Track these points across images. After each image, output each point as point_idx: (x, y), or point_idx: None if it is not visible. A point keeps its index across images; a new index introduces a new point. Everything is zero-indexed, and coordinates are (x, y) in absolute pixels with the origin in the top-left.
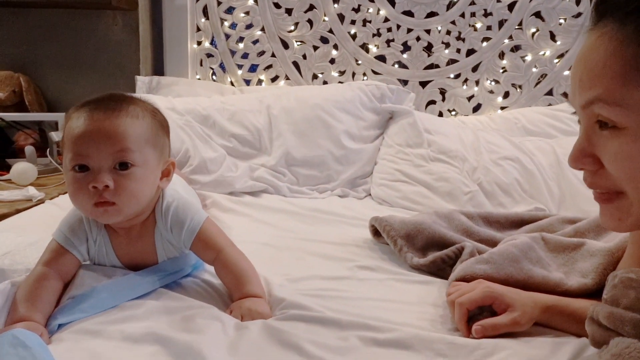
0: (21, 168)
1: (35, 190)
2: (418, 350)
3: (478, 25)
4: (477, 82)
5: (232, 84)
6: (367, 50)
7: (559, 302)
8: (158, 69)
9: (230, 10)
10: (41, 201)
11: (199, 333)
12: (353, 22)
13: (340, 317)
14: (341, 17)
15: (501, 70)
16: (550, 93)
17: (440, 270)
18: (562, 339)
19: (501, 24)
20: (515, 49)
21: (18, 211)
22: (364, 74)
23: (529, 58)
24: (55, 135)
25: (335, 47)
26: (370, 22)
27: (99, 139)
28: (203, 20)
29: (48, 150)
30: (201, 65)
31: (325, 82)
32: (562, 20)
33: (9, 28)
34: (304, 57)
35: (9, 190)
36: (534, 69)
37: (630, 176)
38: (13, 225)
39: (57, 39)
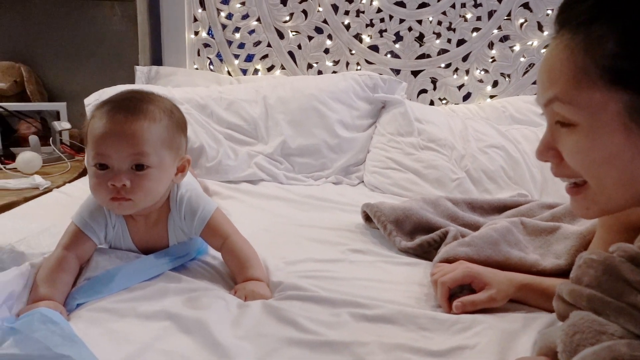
0: (27, 157)
1: (42, 179)
2: (403, 325)
3: (468, 15)
4: (467, 72)
5: (229, 73)
6: (361, 41)
7: (533, 280)
8: (156, 59)
9: (226, 1)
10: (48, 189)
11: (205, 310)
12: (347, 13)
13: (333, 296)
14: (335, 8)
15: (490, 60)
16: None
17: (426, 252)
18: (534, 314)
19: (490, 14)
20: (504, 39)
21: (27, 199)
22: (358, 64)
23: (517, 48)
24: (57, 125)
25: (330, 37)
26: (363, 12)
27: (118, 141)
28: (200, 10)
29: (51, 139)
30: (199, 55)
31: (319, 72)
32: (549, 11)
33: (9, 19)
34: (299, 47)
35: (16, 179)
36: (522, 59)
37: (585, 168)
38: (24, 213)
39: (57, 30)
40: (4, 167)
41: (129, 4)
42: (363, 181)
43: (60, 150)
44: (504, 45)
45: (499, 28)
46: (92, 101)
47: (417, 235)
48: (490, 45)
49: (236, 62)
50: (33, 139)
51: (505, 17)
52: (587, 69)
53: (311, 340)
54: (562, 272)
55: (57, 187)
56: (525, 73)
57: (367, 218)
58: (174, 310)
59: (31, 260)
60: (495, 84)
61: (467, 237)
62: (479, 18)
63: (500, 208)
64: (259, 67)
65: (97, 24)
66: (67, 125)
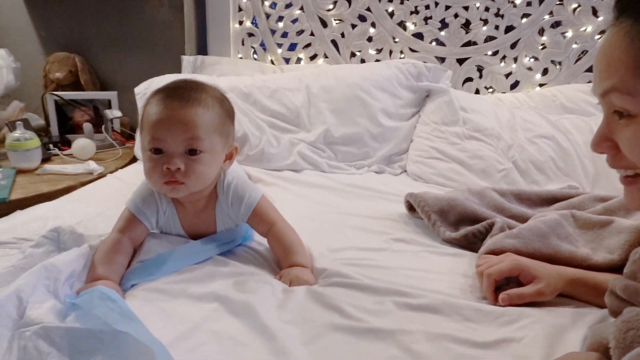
0: (81, 144)
1: (95, 165)
2: (448, 315)
3: (518, 1)
4: (515, 59)
5: (272, 62)
6: (405, 28)
7: (584, 275)
8: (202, 48)
9: None
10: (102, 175)
11: (252, 293)
12: (391, 0)
13: (376, 284)
14: None
15: (540, 47)
16: (590, 70)
17: (471, 244)
18: (584, 309)
19: None
20: (556, 24)
21: (82, 184)
22: (401, 52)
23: (569, 34)
24: (109, 113)
25: (373, 25)
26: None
27: (173, 126)
28: (244, 0)
29: (103, 127)
30: (243, 44)
31: (362, 60)
32: None
33: (64, 12)
34: (342, 35)
35: (72, 165)
36: (575, 45)
37: None
38: (80, 197)
39: (109, 21)
40: (61, 153)
41: None
42: (406, 171)
43: (112, 137)
44: (556, 32)
45: (551, 13)
46: (142, 90)
47: (462, 226)
48: (541, 32)
49: (279, 51)
50: (87, 126)
51: (558, 2)
52: None
53: (355, 326)
54: (615, 268)
55: (110, 172)
56: (577, 60)
57: (411, 208)
58: (223, 292)
59: (89, 241)
60: (545, 71)
61: (514, 229)
62: (529, 3)
63: (549, 200)
64: (301, 56)
65: (146, 15)
66: (118, 114)
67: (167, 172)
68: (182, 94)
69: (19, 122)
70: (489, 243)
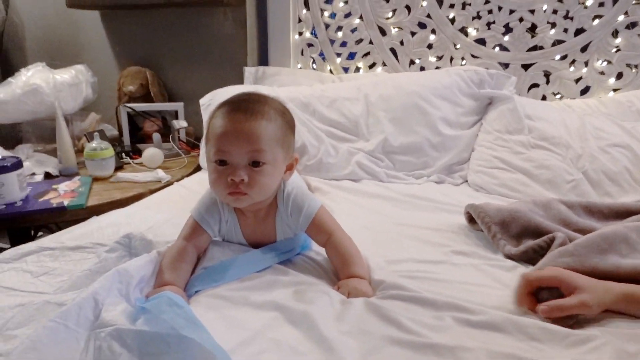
0: (151, 153)
1: (163, 173)
2: (510, 333)
3: (589, 2)
4: (585, 63)
5: (331, 71)
6: (466, 34)
7: (637, 290)
8: (263, 60)
9: (330, 1)
10: (169, 182)
11: (310, 304)
12: (452, 6)
13: (435, 297)
14: (440, 1)
15: (614, 50)
16: None
17: (532, 259)
18: None
19: None
20: (631, 25)
21: (152, 191)
22: (463, 58)
23: None
24: (176, 124)
25: (433, 31)
26: (470, 4)
27: (238, 139)
28: (304, 11)
29: (171, 136)
30: (302, 54)
31: (422, 68)
32: None
33: (136, 27)
34: (401, 43)
35: (142, 173)
36: None
37: None
38: (150, 204)
39: (176, 36)
40: (133, 162)
41: (239, 9)
42: (467, 181)
43: (178, 147)
44: (632, 33)
45: (626, 14)
46: (206, 101)
47: (524, 239)
48: (615, 34)
49: (338, 60)
50: (156, 136)
51: (634, 2)
52: None
53: (414, 341)
54: None
55: (177, 180)
56: None
57: (471, 219)
58: (282, 301)
59: (158, 247)
60: (619, 75)
61: (569, 244)
62: (601, 4)
63: (622, 213)
64: (360, 65)
65: (211, 29)
66: (185, 124)
67: (231, 183)
68: (246, 107)
69: (95, 133)
70: (541, 262)
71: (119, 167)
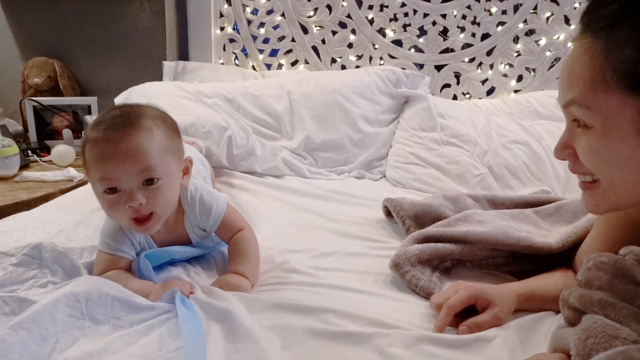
0: (61, 150)
1: (75, 171)
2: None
3: (493, 9)
4: (491, 66)
5: (253, 68)
6: (384, 35)
7: (528, 289)
8: (183, 54)
9: None
10: (82, 182)
11: None
12: (370, 7)
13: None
14: (359, 2)
15: (515, 54)
16: None
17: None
18: (541, 314)
19: (516, 8)
20: (530, 33)
21: (62, 191)
22: (381, 58)
23: (543, 42)
24: (89, 119)
25: (353, 31)
26: (387, 7)
27: (122, 162)
28: (226, 6)
29: (83, 132)
30: (224, 50)
31: (343, 66)
32: (577, 4)
33: (43, 16)
34: (323, 41)
35: (52, 171)
36: (548, 53)
37: (597, 168)
38: (60, 205)
39: (89, 26)
40: (40, 160)
41: (157, 0)
42: (385, 176)
43: None
44: (530, 39)
45: (525, 22)
46: (122, 100)
47: None
48: (516, 39)
49: (261, 57)
50: (67, 132)
51: (532, 11)
52: (605, 74)
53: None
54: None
55: None
56: (550, 67)
57: (389, 213)
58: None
59: (71, 255)
60: (519, 78)
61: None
62: (504, 12)
63: (521, 205)
64: (283, 62)
65: (126, 21)
66: None
67: (131, 210)
68: (122, 123)
69: None
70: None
71: (24, 166)
